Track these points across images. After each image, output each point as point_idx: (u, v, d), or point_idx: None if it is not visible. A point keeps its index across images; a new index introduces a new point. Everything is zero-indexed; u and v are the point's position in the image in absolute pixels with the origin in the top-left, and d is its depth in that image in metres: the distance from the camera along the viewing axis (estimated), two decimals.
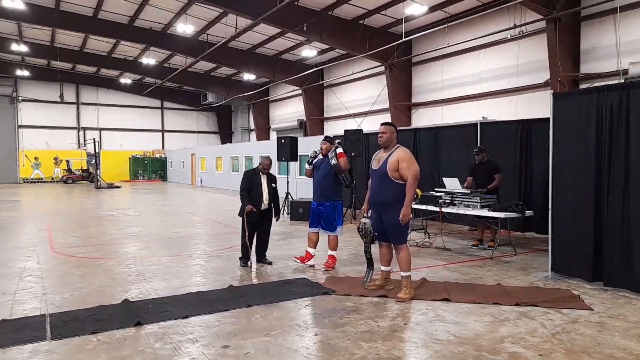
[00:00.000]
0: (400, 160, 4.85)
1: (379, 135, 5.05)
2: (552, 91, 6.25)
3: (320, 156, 6.50)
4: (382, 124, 5.15)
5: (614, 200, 5.20)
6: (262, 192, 6.50)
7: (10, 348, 3.71)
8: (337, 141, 6.49)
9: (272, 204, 6.67)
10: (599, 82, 9.98)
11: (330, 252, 6.42)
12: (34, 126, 29.84)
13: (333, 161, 6.21)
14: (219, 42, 18.92)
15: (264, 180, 6.57)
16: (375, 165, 5.10)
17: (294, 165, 15.44)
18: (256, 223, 6.53)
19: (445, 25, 14.05)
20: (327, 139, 6.55)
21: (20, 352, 3.64)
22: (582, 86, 11.76)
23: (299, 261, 6.52)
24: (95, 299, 5.03)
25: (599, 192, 5.37)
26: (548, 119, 5.92)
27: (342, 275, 6.01)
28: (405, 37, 15.07)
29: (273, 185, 6.68)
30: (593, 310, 4.58)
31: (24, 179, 29.57)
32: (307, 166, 6.65)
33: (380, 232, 5.13)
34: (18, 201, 17.69)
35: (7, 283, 5.73)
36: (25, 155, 29.56)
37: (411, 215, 5.03)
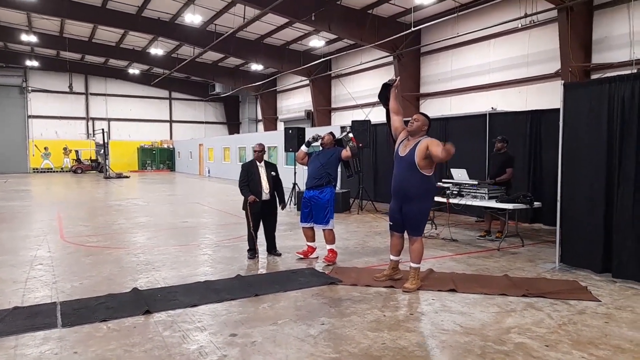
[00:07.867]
0: (429, 144, 4.81)
1: (411, 122, 5.00)
2: (562, 82, 6.18)
3: (320, 146, 6.38)
4: (419, 113, 5.18)
5: (625, 192, 5.15)
6: (261, 182, 6.35)
7: (23, 335, 3.78)
8: (348, 126, 6.41)
9: (275, 193, 6.53)
10: (611, 73, 9.83)
11: (329, 247, 6.21)
12: (44, 116, 30.02)
13: (351, 144, 6.11)
14: (227, 32, 18.84)
15: (262, 170, 6.43)
16: (402, 151, 5.00)
17: None
18: (259, 214, 6.40)
19: (455, 14, 13.86)
20: (331, 134, 6.44)
21: (33, 339, 3.71)
22: (594, 76, 11.58)
23: (302, 256, 6.42)
24: (105, 287, 5.10)
25: (609, 184, 5.33)
26: (558, 109, 5.86)
27: (349, 266, 6.04)
28: (414, 27, 14.91)
29: (273, 173, 6.48)
30: (600, 301, 4.57)
31: (34, 169, 29.85)
32: (303, 147, 6.41)
33: (396, 222, 5.13)
34: (29, 191, 17.88)
35: (19, 271, 5.82)
36: (35, 145, 29.81)
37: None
